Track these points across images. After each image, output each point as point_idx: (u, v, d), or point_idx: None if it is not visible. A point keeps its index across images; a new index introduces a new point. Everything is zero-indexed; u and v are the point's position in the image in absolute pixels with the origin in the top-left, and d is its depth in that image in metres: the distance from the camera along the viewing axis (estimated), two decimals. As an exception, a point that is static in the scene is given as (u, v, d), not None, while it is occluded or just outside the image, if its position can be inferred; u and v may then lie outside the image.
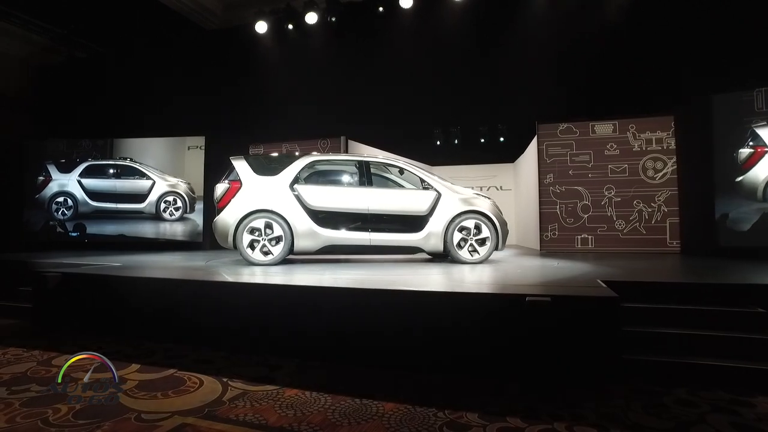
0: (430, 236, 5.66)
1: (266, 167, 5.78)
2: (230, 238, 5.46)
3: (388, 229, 5.68)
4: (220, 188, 5.69)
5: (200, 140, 9.06)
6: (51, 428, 2.40)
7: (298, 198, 5.57)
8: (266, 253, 5.49)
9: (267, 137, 8.93)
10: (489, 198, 6.06)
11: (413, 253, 6.08)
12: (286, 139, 8.90)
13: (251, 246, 5.48)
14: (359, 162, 5.92)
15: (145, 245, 8.86)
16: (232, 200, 5.54)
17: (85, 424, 2.44)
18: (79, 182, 9.10)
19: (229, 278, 4.47)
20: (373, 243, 5.64)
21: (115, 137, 9.37)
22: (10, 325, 4.82)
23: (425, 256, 6.46)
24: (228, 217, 5.50)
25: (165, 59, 9.75)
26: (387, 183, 6.01)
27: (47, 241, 9.10)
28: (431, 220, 5.67)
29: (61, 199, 9.11)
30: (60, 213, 9.13)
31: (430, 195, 5.74)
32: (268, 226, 5.49)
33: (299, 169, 5.72)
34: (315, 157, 5.92)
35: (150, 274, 4.86)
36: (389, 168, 6.11)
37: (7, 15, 9.31)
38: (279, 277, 4.46)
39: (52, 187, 9.15)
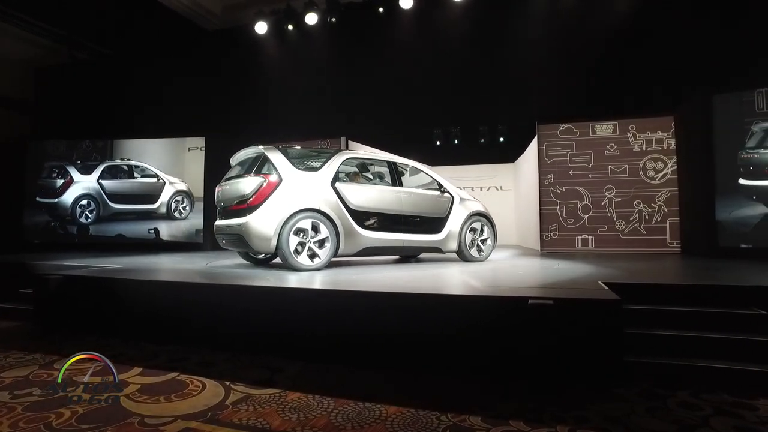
0: (448, 237, 5.87)
1: (302, 162, 5.25)
2: (273, 241, 4.77)
3: (418, 230, 5.72)
4: (253, 182, 4.92)
5: (200, 141, 9.04)
6: (54, 433, 2.40)
7: (341, 197, 5.16)
8: (312, 257, 4.98)
9: (267, 137, 8.89)
10: (479, 200, 6.49)
11: (434, 253, 6.26)
12: (286, 140, 8.88)
13: (296, 250, 4.90)
14: (389, 162, 5.89)
15: (145, 246, 8.87)
16: (271, 197, 4.84)
17: (89, 429, 2.43)
18: (100, 184, 9.03)
19: (231, 281, 4.46)
20: (405, 244, 5.62)
21: (115, 138, 9.36)
22: (12, 328, 4.80)
23: (398, 257, 6.67)
24: (270, 216, 4.78)
25: (165, 60, 9.76)
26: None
27: (48, 243, 9.07)
28: (448, 221, 5.89)
29: (84, 201, 9.00)
30: (83, 216, 9.01)
31: (447, 198, 5.96)
32: (315, 227, 4.95)
33: (338, 166, 5.33)
34: (350, 154, 5.70)
35: (151, 277, 4.82)
36: (407, 170, 6.18)
37: (10, 17, 9.31)
38: (278, 279, 4.46)
39: (76, 190, 9.02)
